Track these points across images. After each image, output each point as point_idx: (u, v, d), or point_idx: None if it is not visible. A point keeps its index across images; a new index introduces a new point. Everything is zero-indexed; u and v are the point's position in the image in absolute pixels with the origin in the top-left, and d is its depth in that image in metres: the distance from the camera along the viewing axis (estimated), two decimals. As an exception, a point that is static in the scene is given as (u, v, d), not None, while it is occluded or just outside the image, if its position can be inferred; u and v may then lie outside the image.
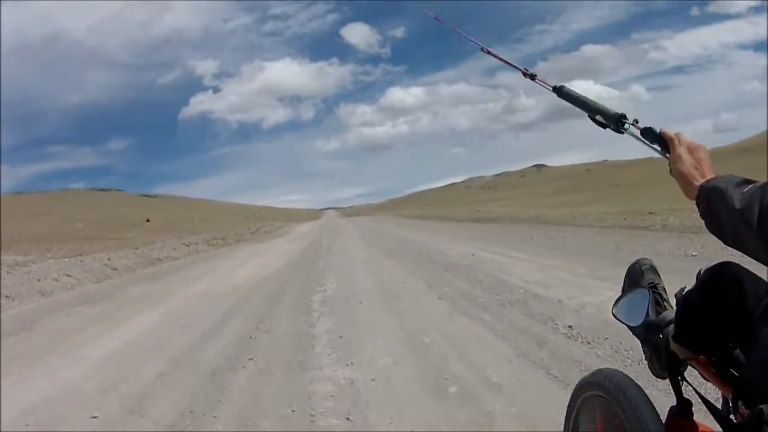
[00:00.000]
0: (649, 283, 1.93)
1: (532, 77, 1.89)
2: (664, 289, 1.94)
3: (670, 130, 1.47)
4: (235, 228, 51.54)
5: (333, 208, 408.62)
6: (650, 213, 24.14)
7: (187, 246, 28.79)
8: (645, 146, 1.50)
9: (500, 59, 2.04)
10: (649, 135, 1.49)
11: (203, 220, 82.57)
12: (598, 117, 1.60)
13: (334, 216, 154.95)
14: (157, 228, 55.90)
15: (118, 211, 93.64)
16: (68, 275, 16.84)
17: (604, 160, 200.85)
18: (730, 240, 1.21)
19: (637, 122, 1.53)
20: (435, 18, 2.40)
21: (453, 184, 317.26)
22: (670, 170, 1.43)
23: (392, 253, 18.71)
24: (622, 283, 2.05)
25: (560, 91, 1.76)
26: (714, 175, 1.33)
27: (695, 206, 1.30)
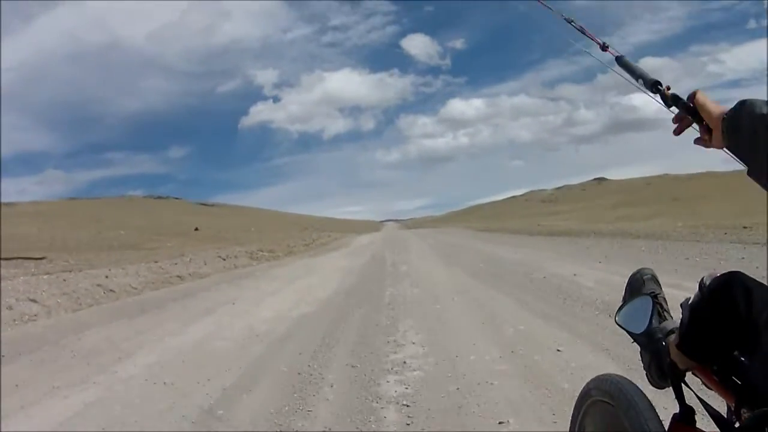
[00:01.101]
0: (650, 293, 1.90)
1: (604, 47, 1.80)
2: (665, 300, 1.93)
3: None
4: (290, 239, 46.54)
5: (393, 220, 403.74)
6: (744, 227, 19.98)
7: (223, 260, 23.64)
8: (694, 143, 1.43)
9: (584, 32, 1.87)
10: (676, 98, 1.48)
11: (260, 229, 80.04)
12: (639, 81, 1.60)
13: (394, 228, 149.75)
14: (205, 237, 51.79)
15: (171, 218, 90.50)
16: (34, 300, 11.75)
17: (664, 174, 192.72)
18: (760, 149, 1.17)
19: (669, 88, 1.52)
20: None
21: (513, 197, 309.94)
22: (698, 140, 1.41)
23: (487, 277, 12.96)
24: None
25: (620, 60, 1.72)
26: None
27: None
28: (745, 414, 1.33)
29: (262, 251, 29.66)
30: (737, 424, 1.38)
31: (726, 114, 1.28)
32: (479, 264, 16.39)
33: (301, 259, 25.03)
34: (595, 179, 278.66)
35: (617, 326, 1.86)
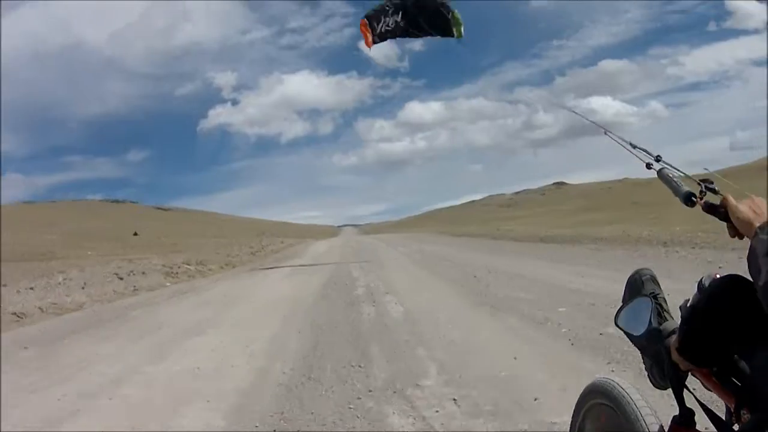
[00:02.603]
0: (650, 293, 1.80)
1: (648, 166, 1.82)
2: (665, 300, 1.81)
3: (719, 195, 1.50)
4: (237, 245, 39.06)
5: (351, 225, 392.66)
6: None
7: (121, 279, 16.33)
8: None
9: (623, 142, 1.93)
10: (709, 207, 1.49)
11: (214, 234, 77.17)
12: (676, 198, 1.63)
13: (353, 233, 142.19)
14: (140, 244, 44.88)
15: (118, 222, 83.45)
16: None
17: (624, 178, 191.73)
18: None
19: (702, 198, 1.53)
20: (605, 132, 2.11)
21: (472, 201, 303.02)
22: (729, 230, 1.42)
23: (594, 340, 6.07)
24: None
25: (660, 173, 1.75)
26: None
27: None
28: (744, 416, 1.32)
29: (189, 264, 22.29)
30: (736, 426, 1.38)
31: (759, 231, 1.24)
32: (538, 296, 9.35)
33: (234, 278, 17.73)
34: (554, 184, 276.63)
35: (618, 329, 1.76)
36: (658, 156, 1.80)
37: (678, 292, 1.95)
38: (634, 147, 1.87)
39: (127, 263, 21.17)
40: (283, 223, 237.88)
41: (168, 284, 17.03)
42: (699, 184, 1.56)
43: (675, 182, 1.66)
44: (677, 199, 1.61)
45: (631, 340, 1.81)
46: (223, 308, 10.63)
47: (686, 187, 1.60)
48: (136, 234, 53.43)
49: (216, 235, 72.43)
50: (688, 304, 1.55)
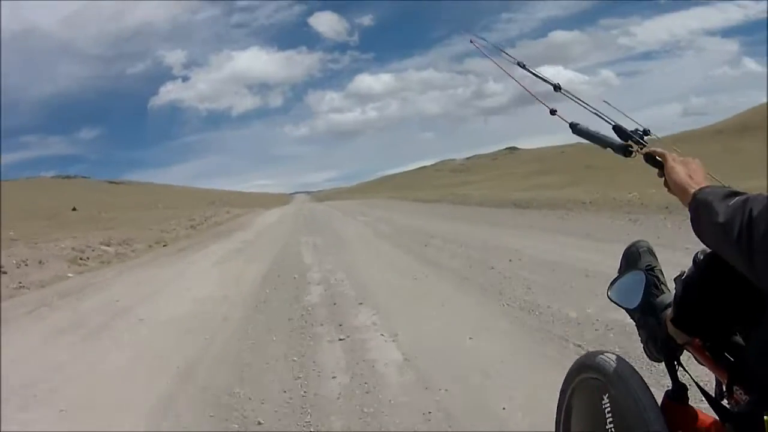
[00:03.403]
0: (646, 266, 1.79)
1: (553, 112, 1.76)
2: (662, 272, 1.80)
3: (661, 149, 1.49)
4: (179, 218, 34.62)
5: (303, 192, 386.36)
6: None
7: (3, 274, 12.18)
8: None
9: (535, 75, 1.92)
10: (649, 158, 1.51)
11: (167, 206, 71.08)
12: (607, 149, 1.61)
13: (305, 200, 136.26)
14: (75, 220, 39.81)
15: (71, 199, 77.79)
16: None
17: (577, 142, 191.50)
18: (713, 248, 1.23)
19: (641, 148, 1.54)
20: (471, 41, 2.18)
21: (424, 167, 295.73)
22: (666, 185, 1.44)
23: None
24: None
25: (575, 128, 1.71)
26: (707, 184, 1.31)
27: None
28: (737, 392, 1.30)
29: (108, 245, 18.11)
30: (726, 401, 1.37)
31: (689, 208, 1.27)
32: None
33: (151, 266, 13.59)
34: (506, 148, 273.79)
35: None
36: (557, 84, 1.83)
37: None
38: (538, 77, 1.87)
39: (30, 248, 16.82)
40: (236, 192, 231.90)
41: (70, 275, 12.97)
42: (632, 134, 1.59)
43: (600, 135, 1.63)
44: (608, 150, 1.60)
45: (627, 313, 1.79)
46: (90, 341, 6.53)
47: (618, 139, 1.59)
48: (74, 209, 48.27)
49: (167, 206, 68.02)
50: (683, 277, 1.50)
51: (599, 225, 12.80)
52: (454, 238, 13.06)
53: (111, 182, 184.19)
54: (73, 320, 7.53)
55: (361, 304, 6.85)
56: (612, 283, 1.76)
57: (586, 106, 1.76)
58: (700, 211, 1.22)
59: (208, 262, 13.00)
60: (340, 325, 5.92)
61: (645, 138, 1.58)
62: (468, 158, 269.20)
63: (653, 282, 1.73)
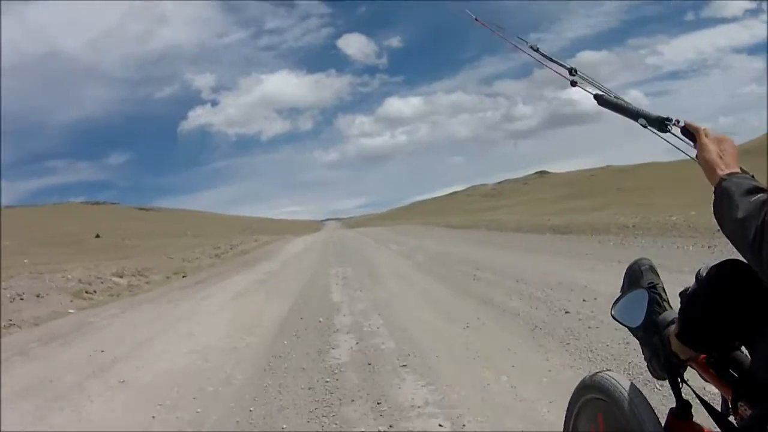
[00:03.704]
0: (648, 284, 1.78)
1: (574, 84, 1.69)
2: (664, 290, 1.78)
3: (696, 124, 1.45)
4: (204, 246, 33.33)
5: (334, 219, 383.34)
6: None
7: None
8: (659, 145, 1.28)
9: (547, 57, 1.81)
10: (686, 132, 1.47)
11: (195, 233, 71.41)
12: (641, 120, 1.54)
13: (336, 227, 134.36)
14: (96, 248, 38.80)
15: (97, 225, 77.62)
16: None
17: (607, 166, 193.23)
18: (730, 240, 1.19)
19: (678, 122, 1.49)
20: (476, 19, 2.03)
21: (455, 192, 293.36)
22: (697, 159, 1.40)
23: None
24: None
25: (600, 99, 1.64)
26: (737, 169, 1.30)
27: None
28: (742, 408, 1.30)
29: (121, 276, 16.69)
30: (732, 418, 1.36)
31: (714, 192, 1.26)
32: None
33: (160, 302, 11.98)
34: (536, 173, 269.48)
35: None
36: (573, 68, 1.71)
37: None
38: (552, 61, 1.78)
39: (33, 279, 15.38)
40: (266, 219, 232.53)
41: (71, 311, 11.52)
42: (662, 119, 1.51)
43: (631, 106, 1.58)
44: (636, 122, 1.54)
45: (630, 331, 1.77)
46: (47, 412, 4.81)
47: (654, 113, 1.53)
48: (98, 236, 47.31)
49: (196, 234, 67.51)
50: (687, 292, 1.50)
51: (662, 252, 11.03)
52: (503, 269, 11.29)
53: (140, 208, 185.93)
54: (42, 377, 5.92)
55: (404, 366, 5.09)
56: (615, 302, 1.75)
57: (608, 91, 1.66)
58: (723, 201, 1.21)
59: (224, 297, 11.41)
60: (379, 403, 4.20)
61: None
62: (499, 183, 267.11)
63: (656, 300, 1.71)
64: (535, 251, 14.94)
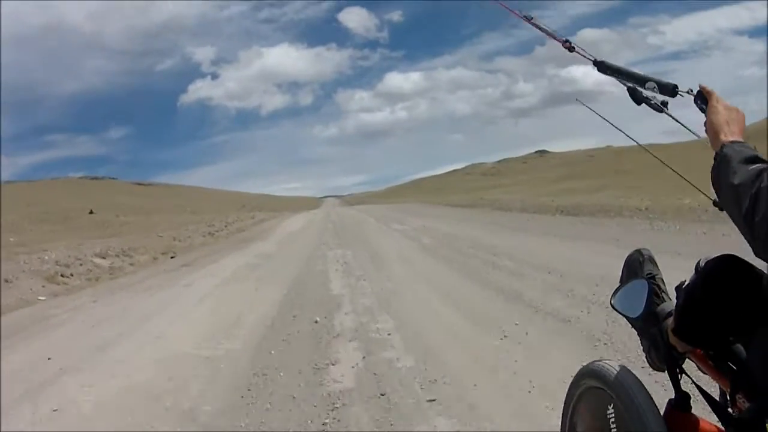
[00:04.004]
0: (647, 274, 1.75)
1: (571, 49, 1.68)
2: (662, 281, 1.76)
3: (710, 88, 1.41)
4: (199, 223, 32.03)
5: (333, 196, 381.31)
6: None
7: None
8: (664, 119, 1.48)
9: (542, 29, 1.82)
10: (699, 96, 1.42)
11: (193, 210, 69.91)
12: (648, 85, 1.50)
13: (335, 204, 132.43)
14: (87, 225, 37.35)
15: (94, 201, 76.34)
16: None
17: (606, 146, 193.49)
18: (724, 207, 1.22)
19: (691, 90, 1.45)
20: None
21: (454, 170, 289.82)
22: (705, 124, 1.37)
23: None
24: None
25: (602, 65, 1.60)
26: (740, 138, 1.28)
27: None
28: (740, 400, 1.28)
29: (104, 257, 15.38)
30: (730, 409, 1.35)
31: (714, 158, 1.24)
32: None
33: (138, 289, 10.55)
34: (536, 152, 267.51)
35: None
36: (566, 39, 1.71)
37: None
38: (546, 32, 1.81)
39: (6, 261, 14.00)
40: (265, 196, 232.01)
41: (42, 298, 10.31)
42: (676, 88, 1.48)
43: (636, 71, 1.54)
44: (649, 87, 1.50)
45: (629, 322, 1.75)
46: None
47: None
48: (92, 212, 45.79)
49: (195, 210, 66.26)
50: (684, 286, 1.49)
51: (705, 240, 9.70)
52: (523, 256, 9.91)
53: (139, 184, 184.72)
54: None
55: (432, 402, 3.71)
56: (615, 293, 1.74)
57: (604, 60, 1.63)
58: (721, 166, 1.20)
59: (209, 284, 10.07)
60: None
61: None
62: (498, 161, 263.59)
63: (655, 290, 1.69)
64: (553, 235, 13.55)
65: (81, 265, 13.93)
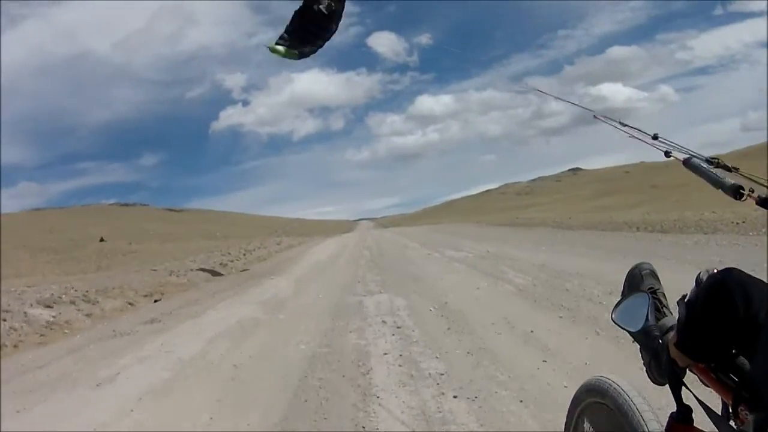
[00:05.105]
0: (648, 288, 1.73)
1: (667, 155, 1.67)
2: (664, 295, 1.75)
3: None
4: (218, 251, 27.54)
5: (367, 219, 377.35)
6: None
7: None
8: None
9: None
10: (763, 202, 1.35)
11: (224, 234, 69.46)
12: (719, 190, 1.47)
13: (370, 227, 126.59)
14: (92, 254, 33.27)
15: (123, 227, 73.60)
16: None
17: (640, 162, 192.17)
18: None
19: (752, 191, 1.39)
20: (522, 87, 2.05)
21: (488, 191, 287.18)
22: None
23: None
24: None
25: (687, 162, 1.59)
26: None
27: None
28: (742, 412, 1.24)
29: (48, 306, 10.77)
30: (732, 423, 1.31)
31: None
32: None
33: (58, 369, 5.80)
34: (569, 170, 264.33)
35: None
36: (655, 134, 1.73)
37: None
38: (625, 125, 1.82)
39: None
40: (298, 220, 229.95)
41: None
42: (748, 177, 1.44)
43: (711, 172, 1.51)
44: (718, 189, 1.47)
45: (630, 335, 1.71)
46: None
47: (729, 179, 1.46)
48: (102, 240, 41.81)
49: (225, 235, 64.07)
50: (686, 300, 1.45)
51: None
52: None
53: (170, 210, 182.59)
54: None
55: None
56: (616, 306, 1.72)
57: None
58: None
59: (160, 375, 5.31)
60: None
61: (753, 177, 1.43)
62: (532, 180, 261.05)
63: (656, 305, 1.68)
64: (665, 258, 8.74)
65: (5, 321, 9.34)
